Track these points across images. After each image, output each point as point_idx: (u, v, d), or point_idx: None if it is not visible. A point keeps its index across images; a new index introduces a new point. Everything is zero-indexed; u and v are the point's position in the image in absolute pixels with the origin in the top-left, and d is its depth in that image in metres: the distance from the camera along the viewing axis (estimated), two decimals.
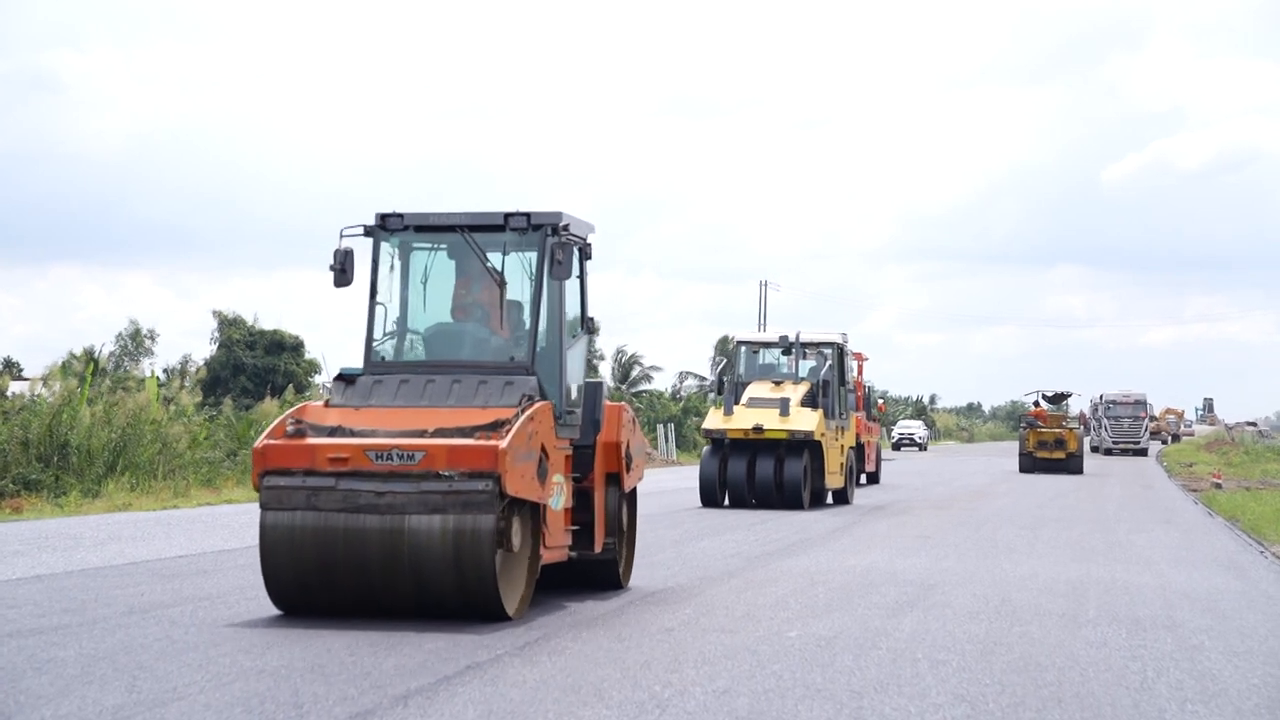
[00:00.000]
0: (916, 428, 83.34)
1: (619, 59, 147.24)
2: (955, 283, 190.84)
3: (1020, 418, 50.23)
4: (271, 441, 10.47)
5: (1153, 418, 77.17)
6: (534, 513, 10.78)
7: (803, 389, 25.89)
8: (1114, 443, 66.89)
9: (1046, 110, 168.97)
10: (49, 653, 9.09)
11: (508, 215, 11.46)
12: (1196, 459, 56.24)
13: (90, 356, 37.33)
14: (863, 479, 34.25)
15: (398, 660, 8.89)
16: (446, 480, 10.07)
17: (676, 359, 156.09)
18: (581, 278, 12.17)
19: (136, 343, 60.07)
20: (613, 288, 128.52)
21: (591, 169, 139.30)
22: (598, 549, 12.10)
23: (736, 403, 25.62)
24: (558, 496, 11.21)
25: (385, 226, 11.63)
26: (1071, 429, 44.24)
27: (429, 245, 11.79)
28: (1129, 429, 67.29)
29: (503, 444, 10.11)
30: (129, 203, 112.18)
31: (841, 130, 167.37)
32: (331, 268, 11.46)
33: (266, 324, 57.46)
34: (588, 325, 12.21)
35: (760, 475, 24.88)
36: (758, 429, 24.78)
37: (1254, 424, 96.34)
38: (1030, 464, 44.01)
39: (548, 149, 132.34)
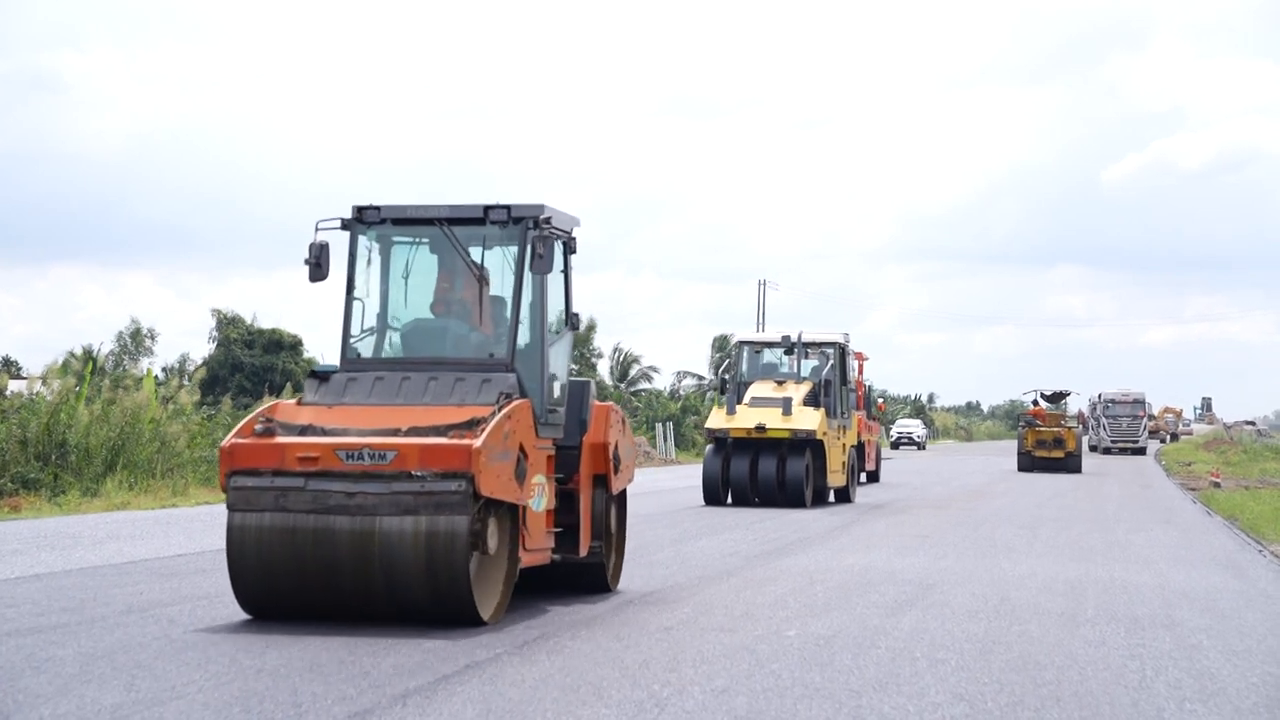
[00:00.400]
0: (915, 427, 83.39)
1: (619, 59, 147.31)
2: (955, 283, 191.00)
3: (1019, 417, 50.22)
4: (239, 441, 10.20)
5: (1151, 417, 77.21)
6: (512, 514, 10.52)
7: (805, 388, 26.04)
8: (1112, 442, 66.89)
9: (1046, 110, 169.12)
10: (47, 651, 9.08)
11: (487, 208, 11.19)
12: (1195, 458, 56.24)
13: (89, 355, 37.33)
14: (863, 477, 34.32)
15: (396, 659, 8.88)
16: (419, 481, 9.80)
17: (675, 359, 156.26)
18: (566, 272, 11.89)
19: (137, 342, 60.10)
20: (612, 287, 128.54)
21: (591, 169, 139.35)
22: (583, 553, 11.84)
23: (739, 402, 25.81)
24: (539, 498, 10.89)
25: (362, 220, 11.34)
26: (1070, 428, 44.23)
27: (411, 240, 11.51)
28: (1127, 428, 67.29)
29: (477, 443, 9.84)
30: (129, 203, 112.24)
31: (841, 130, 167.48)
32: (306, 262, 11.19)
33: (265, 323, 57.51)
34: (572, 322, 11.91)
35: (763, 474, 25.02)
36: (760, 428, 24.93)
37: (1252, 423, 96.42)
38: (1029, 463, 43.99)
39: (547, 149, 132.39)
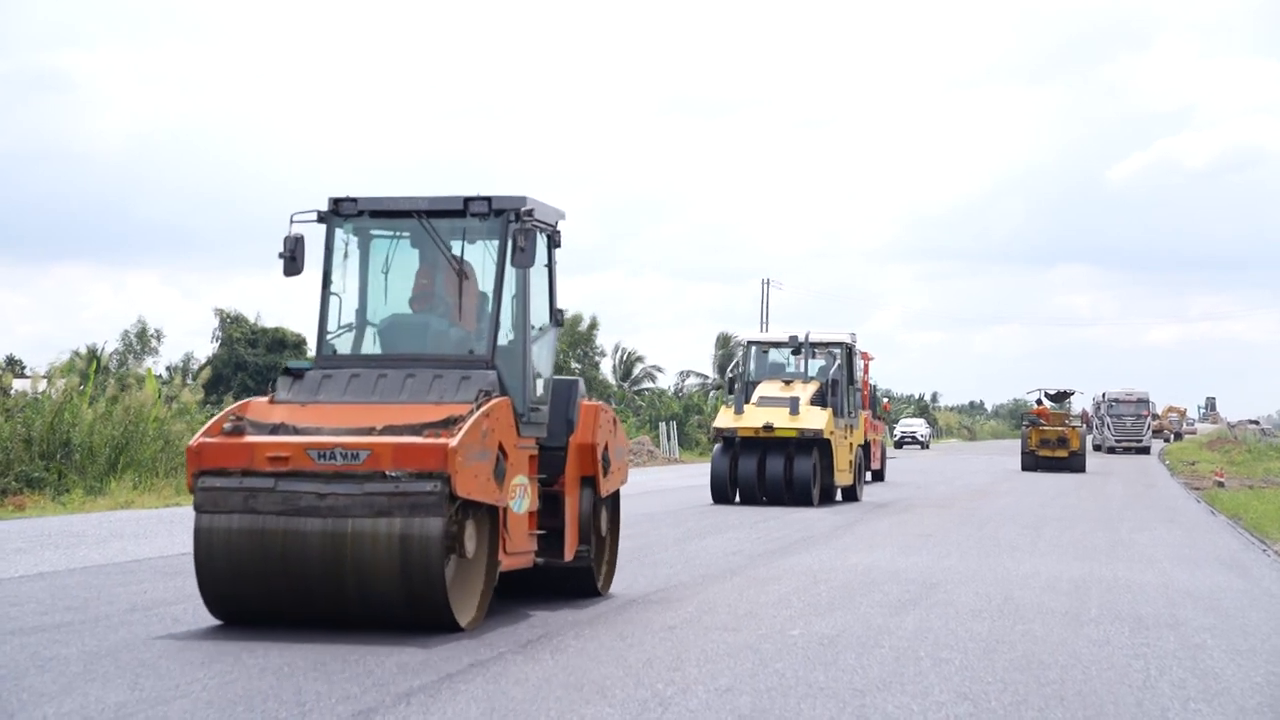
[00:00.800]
0: (919, 426, 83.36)
1: (621, 59, 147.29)
2: (958, 282, 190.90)
3: (1022, 416, 50.21)
4: (207, 440, 9.85)
5: (1155, 416, 77.16)
6: (492, 516, 10.17)
7: (812, 388, 26.23)
8: (1116, 441, 66.88)
9: (1050, 110, 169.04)
10: (52, 650, 9.09)
11: (467, 200, 10.82)
12: (1199, 457, 56.22)
13: (93, 354, 37.36)
14: (868, 476, 34.36)
15: (400, 658, 8.88)
16: (392, 481, 9.46)
17: (678, 358, 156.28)
18: (550, 266, 11.54)
19: (143, 341, 60.19)
20: (615, 287, 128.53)
21: (594, 168, 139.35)
22: (568, 556, 11.47)
23: (747, 402, 25.98)
24: (520, 499, 10.55)
25: (339, 212, 10.99)
26: (1074, 427, 44.20)
27: (391, 233, 11.17)
28: (1131, 427, 67.28)
29: (453, 442, 9.50)
30: (133, 202, 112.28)
31: (844, 130, 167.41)
32: (281, 255, 10.83)
33: (269, 322, 57.58)
34: (556, 318, 11.57)
35: (770, 473, 25.20)
36: (768, 427, 25.10)
37: (1256, 422, 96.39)
38: (1032, 462, 43.96)
39: (550, 148, 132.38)
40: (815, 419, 25.23)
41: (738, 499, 25.54)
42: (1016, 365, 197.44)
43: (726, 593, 12.59)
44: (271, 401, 10.45)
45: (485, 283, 10.95)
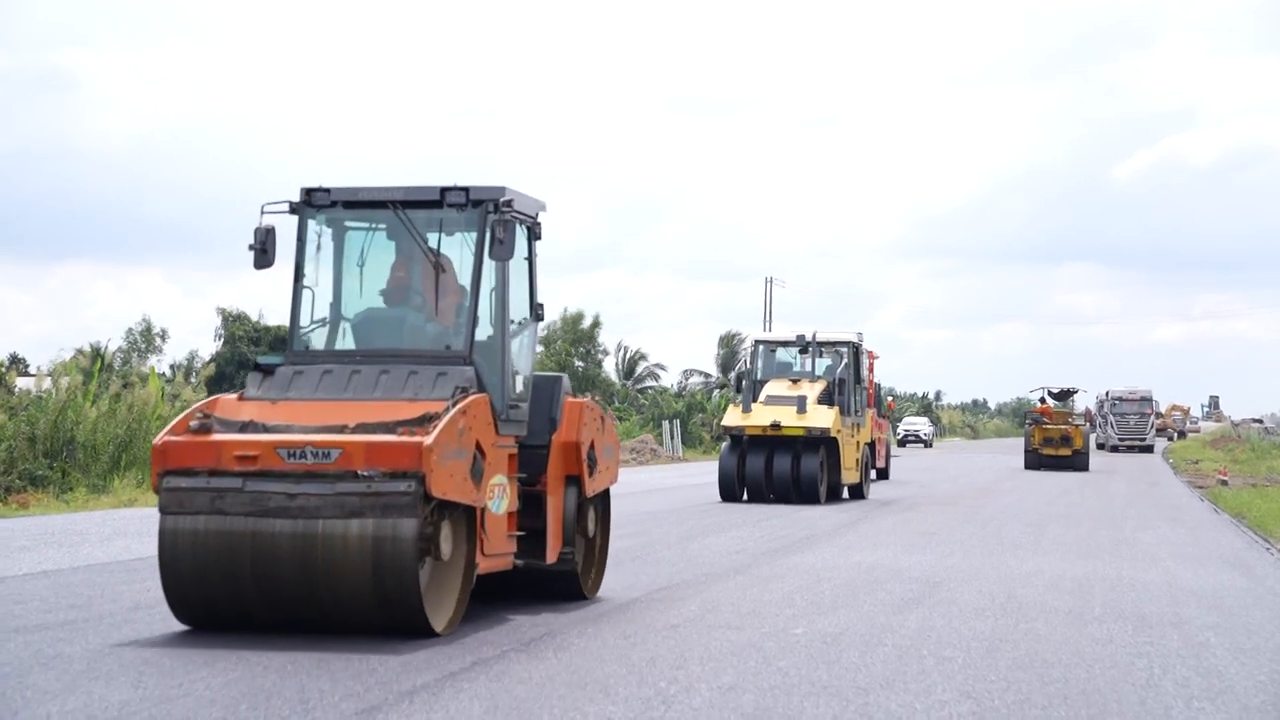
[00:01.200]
0: (922, 424, 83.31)
1: (625, 57, 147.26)
2: (962, 280, 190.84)
3: (1026, 415, 50.18)
4: (172, 438, 9.52)
5: (1159, 415, 77.16)
6: (469, 517, 9.84)
7: (819, 387, 26.47)
8: (1120, 440, 66.83)
9: (1054, 108, 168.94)
10: (55, 648, 9.10)
11: (444, 190, 10.47)
12: (1202, 456, 56.22)
13: (97, 353, 37.38)
14: (873, 474, 34.39)
15: (403, 656, 8.89)
16: (365, 481, 9.15)
17: (682, 356, 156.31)
18: (530, 259, 11.12)
19: (147, 340, 60.24)
20: (619, 285, 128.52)
21: (597, 167, 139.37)
22: (551, 558, 11.09)
23: (755, 400, 26.23)
24: (499, 499, 10.21)
25: (311, 202, 10.64)
26: (1077, 426, 44.15)
27: (366, 225, 10.83)
28: (1135, 426, 67.22)
29: (427, 440, 9.19)
30: (136, 201, 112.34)
31: (849, 128, 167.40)
32: (251, 247, 10.48)
33: (271, 320, 57.54)
34: (536, 312, 11.17)
35: (778, 471, 25.41)
36: (775, 426, 25.32)
37: (1260, 421, 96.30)
38: (1036, 461, 43.92)
39: (553, 147, 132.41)
40: (822, 417, 25.47)
41: (745, 497, 25.76)
42: (1020, 364, 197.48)
43: (730, 591, 12.59)
44: (241, 398, 10.13)
45: (463, 276, 10.64)
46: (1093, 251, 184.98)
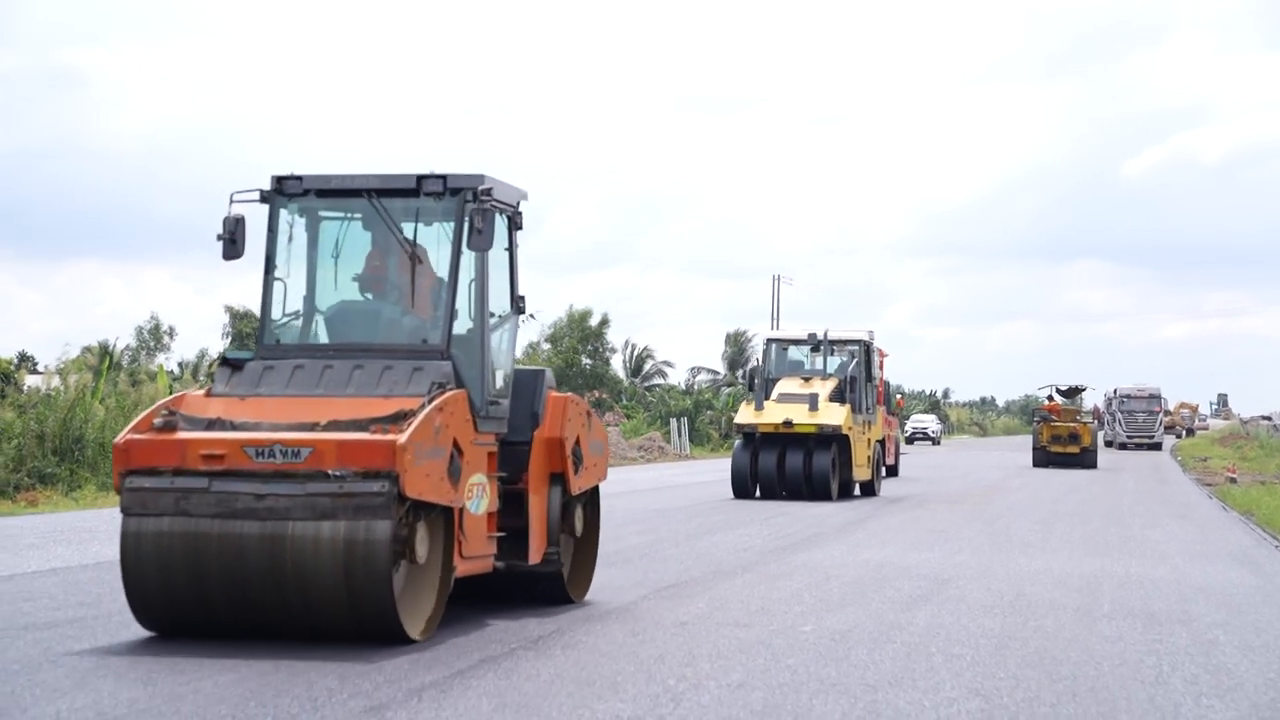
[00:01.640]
0: (930, 422, 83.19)
1: (634, 56, 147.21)
2: (971, 278, 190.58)
3: (1034, 412, 50.12)
4: (135, 436, 9.16)
5: (1167, 412, 77.02)
6: (446, 518, 9.50)
7: (831, 385, 26.68)
8: (1128, 437, 66.76)
9: (1063, 105, 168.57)
10: (64, 645, 9.11)
11: (421, 178, 10.11)
12: (1211, 453, 56.14)
13: (105, 351, 37.44)
14: (883, 471, 34.44)
15: (411, 654, 8.89)
16: (336, 481, 8.80)
17: (689, 354, 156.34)
18: (511, 250, 10.78)
19: (156, 338, 60.31)
20: (627, 283, 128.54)
21: (605, 165, 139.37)
22: (534, 559, 10.68)
23: (767, 398, 26.40)
24: (478, 499, 9.86)
25: (282, 191, 10.26)
26: (1085, 423, 44.09)
27: (342, 215, 10.48)
28: (1143, 423, 67.15)
29: (401, 439, 8.85)
30: (145, 199, 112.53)
31: (856, 126, 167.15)
32: (219, 237, 10.13)
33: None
34: (517, 305, 10.83)
35: (790, 468, 25.63)
36: (788, 423, 25.56)
37: (1269, 418, 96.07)
38: (1044, 458, 43.85)
39: (561, 145, 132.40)
40: (834, 415, 25.69)
41: (758, 494, 25.93)
42: (1028, 361, 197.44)
43: (738, 589, 12.59)
44: (208, 395, 9.77)
45: (440, 267, 10.27)
46: (1101, 249, 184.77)
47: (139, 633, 9.56)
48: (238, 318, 57.55)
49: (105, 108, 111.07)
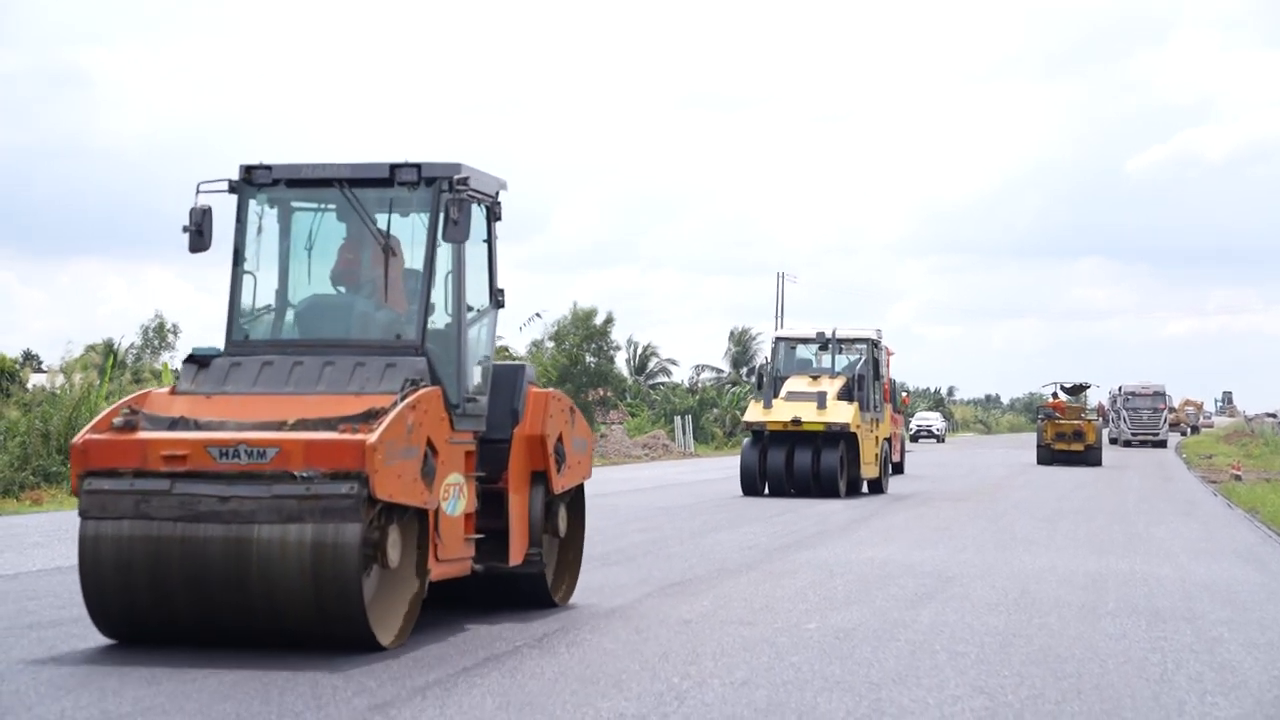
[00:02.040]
0: (934, 420, 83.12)
1: (637, 54, 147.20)
2: (975, 275, 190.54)
3: (1038, 410, 50.10)
4: (94, 436, 8.82)
5: (1172, 409, 76.94)
6: (420, 520, 9.15)
7: (839, 383, 26.86)
8: (1133, 434, 66.66)
9: (1067, 103, 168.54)
10: (69, 644, 9.11)
11: (394, 167, 9.80)
12: (1216, 451, 56.10)
13: (110, 349, 37.44)
14: (890, 468, 34.48)
15: (415, 652, 8.89)
16: (303, 482, 8.47)
17: (693, 352, 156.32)
18: (489, 242, 10.44)
19: (160, 336, 60.29)
20: (632, 281, 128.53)
21: (609, 163, 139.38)
22: (515, 560, 10.34)
23: (775, 396, 26.56)
24: (454, 500, 9.52)
25: (252, 181, 9.94)
26: (1090, 421, 44.06)
27: (315, 205, 10.12)
28: (1148, 421, 67.06)
29: (371, 438, 8.50)
30: (148, 198, 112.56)
31: (860, 124, 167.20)
32: (186, 229, 9.79)
33: None
34: (496, 298, 10.48)
35: (798, 466, 25.81)
36: (796, 421, 25.72)
37: (1274, 415, 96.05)
38: (1048, 456, 43.82)
39: (565, 144, 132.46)
40: (842, 413, 25.84)
41: (766, 491, 26.04)
42: (1033, 359, 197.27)
43: (742, 586, 12.59)
44: (173, 392, 9.42)
45: (415, 260, 9.95)
46: (1105, 246, 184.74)
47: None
48: None
49: (108, 107, 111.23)
